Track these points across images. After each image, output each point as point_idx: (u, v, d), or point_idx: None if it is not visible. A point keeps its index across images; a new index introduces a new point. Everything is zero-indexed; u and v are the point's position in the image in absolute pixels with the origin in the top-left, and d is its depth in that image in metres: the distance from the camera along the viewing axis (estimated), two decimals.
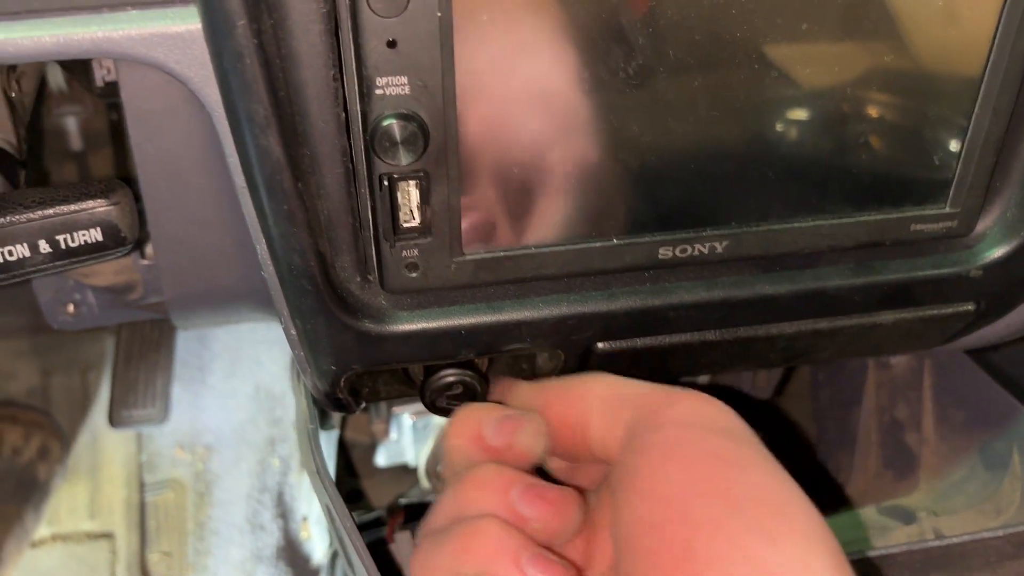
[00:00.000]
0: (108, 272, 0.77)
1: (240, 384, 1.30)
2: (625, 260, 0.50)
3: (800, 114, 0.48)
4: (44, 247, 0.55)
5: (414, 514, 0.90)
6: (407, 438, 0.98)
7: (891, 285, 0.55)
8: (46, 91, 0.84)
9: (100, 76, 0.59)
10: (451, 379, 0.56)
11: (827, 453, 0.92)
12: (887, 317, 0.57)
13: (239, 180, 0.45)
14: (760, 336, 0.56)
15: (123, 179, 0.56)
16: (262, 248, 0.47)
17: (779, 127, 0.48)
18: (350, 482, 1.00)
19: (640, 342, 0.55)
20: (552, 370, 0.58)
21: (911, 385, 0.84)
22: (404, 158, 0.43)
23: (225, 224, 0.54)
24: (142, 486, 1.28)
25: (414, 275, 0.49)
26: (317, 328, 0.49)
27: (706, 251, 0.51)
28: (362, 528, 0.94)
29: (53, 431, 1.21)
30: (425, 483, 0.98)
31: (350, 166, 0.46)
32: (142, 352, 1.23)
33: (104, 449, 1.27)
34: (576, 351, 0.55)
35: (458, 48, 0.42)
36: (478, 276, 0.50)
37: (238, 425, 1.28)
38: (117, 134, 0.85)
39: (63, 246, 0.55)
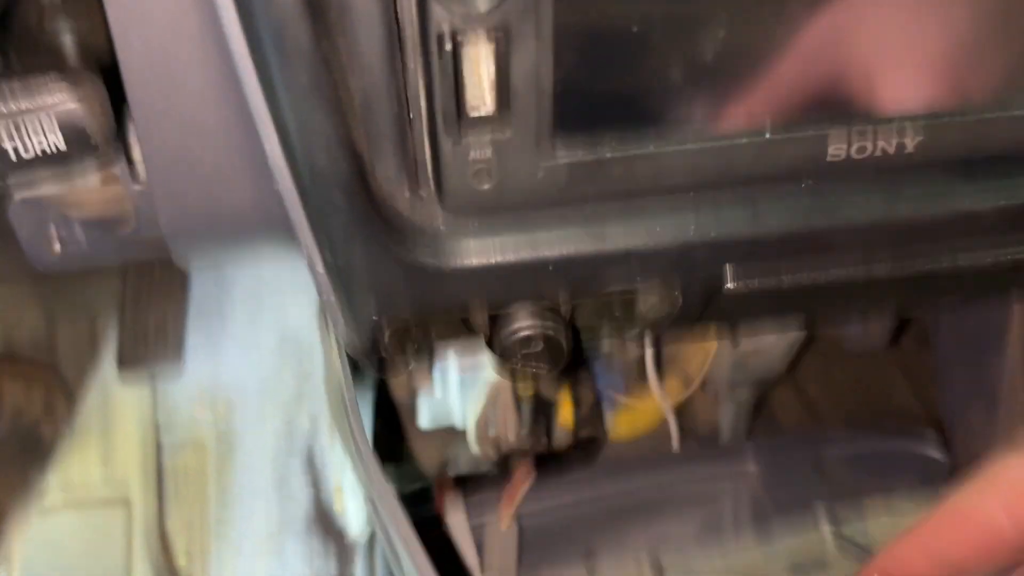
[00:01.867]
0: (96, 202, 0.65)
1: (264, 333, 1.18)
2: (780, 162, 0.36)
3: None
4: None
5: (465, 485, 0.77)
6: (454, 395, 0.85)
7: None
8: (35, 2, 0.73)
9: None
10: (529, 332, 0.42)
11: (955, 408, 0.78)
12: None
13: (237, 44, 0.31)
14: (945, 268, 0.42)
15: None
16: (272, 147, 0.33)
17: None
18: (388, 446, 0.87)
19: (788, 279, 0.40)
20: (660, 319, 0.44)
21: None
22: (482, 2, 0.29)
23: (232, 132, 0.42)
24: (159, 448, 1.17)
25: (486, 185, 0.35)
26: (352, 261, 0.36)
27: (892, 149, 0.36)
28: (405, 503, 0.82)
29: (59, 386, 1.10)
30: (475, 448, 0.85)
31: (394, 22, 0.32)
32: (152, 295, 1.11)
33: (116, 406, 1.16)
34: (699, 291, 0.41)
35: None
36: (575, 187, 0.35)
37: (262, 379, 1.16)
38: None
39: (13, 157, 0.42)
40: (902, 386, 0.92)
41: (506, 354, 0.43)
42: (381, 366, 0.44)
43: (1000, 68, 0.36)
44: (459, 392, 0.85)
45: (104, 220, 0.65)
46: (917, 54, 0.35)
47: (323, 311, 0.60)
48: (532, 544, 0.68)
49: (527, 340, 0.43)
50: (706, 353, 0.82)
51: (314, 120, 0.31)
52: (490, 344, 0.43)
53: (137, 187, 0.59)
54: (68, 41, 0.79)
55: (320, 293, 0.39)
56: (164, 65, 0.43)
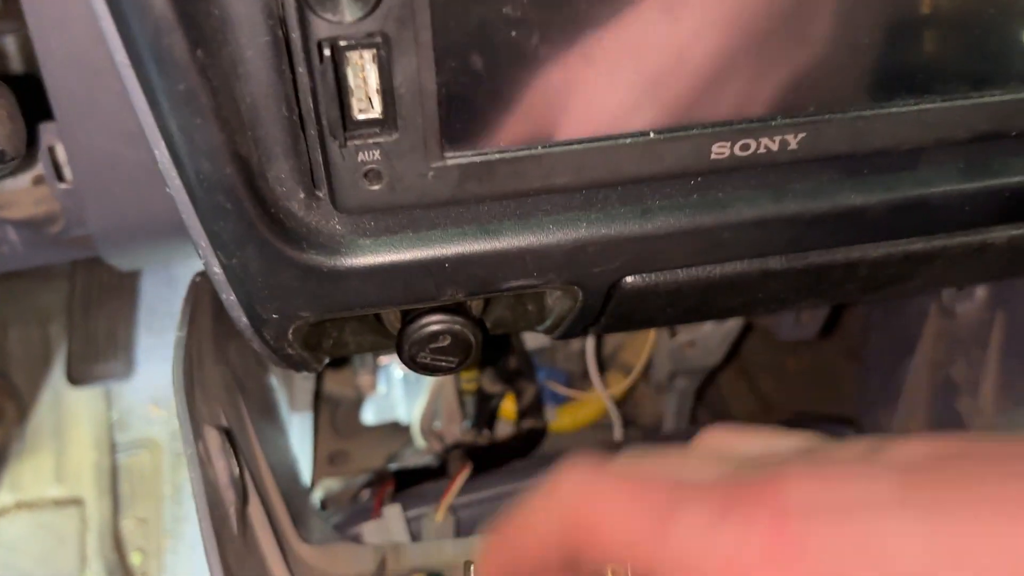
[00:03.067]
0: (26, 202, 0.65)
1: None
2: (666, 162, 0.37)
3: None
4: None
5: (406, 481, 0.78)
6: (398, 391, 0.86)
7: (1012, 191, 0.41)
8: None
9: None
10: (435, 328, 0.43)
11: (866, 406, 0.79)
12: (1000, 235, 0.44)
13: (118, 54, 0.31)
14: (837, 262, 0.43)
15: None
16: (161, 153, 0.33)
17: None
18: (333, 442, 0.88)
19: (683, 274, 0.42)
20: (566, 313, 0.45)
21: (977, 341, 0.70)
22: (349, 12, 0.30)
23: None
24: (113, 447, 1.17)
25: (376, 187, 0.35)
26: (246, 263, 0.36)
27: (775, 147, 0.37)
28: (342, 498, 0.82)
29: (8, 392, 1.09)
30: (420, 442, 0.86)
31: (280, 32, 0.32)
32: (101, 299, 1.11)
33: (69, 407, 1.15)
34: (597, 287, 0.42)
35: None
36: (465, 188, 0.36)
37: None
38: None
39: None
40: (849, 378, 0.94)
41: (413, 350, 0.44)
42: (295, 364, 0.45)
43: (876, 65, 0.37)
44: (403, 388, 0.85)
45: (35, 220, 0.65)
46: (795, 53, 0.36)
47: None
48: (469, 535, 0.69)
49: (434, 335, 0.44)
50: (644, 344, 0.84)
51: (195, 127, 0.31)
52: (398, 342, 0.43)
53: (63, 186, 0.59)
54: (10, 43, 0.79)
55: (220, 293, 0.39)
56: (84, 67, 0.43)
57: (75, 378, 1.08)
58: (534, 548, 0.33)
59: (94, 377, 1.09)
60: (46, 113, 0.47)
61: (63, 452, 1.15)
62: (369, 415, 0.87)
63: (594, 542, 0.30)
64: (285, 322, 0.39)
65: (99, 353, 1.09)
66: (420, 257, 0.38)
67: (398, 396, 0.86)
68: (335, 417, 0.89)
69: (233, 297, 0.38)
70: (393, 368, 0.84)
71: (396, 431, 0.87)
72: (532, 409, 0.85)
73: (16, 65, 0.80)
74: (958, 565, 0.24)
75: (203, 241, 0.36)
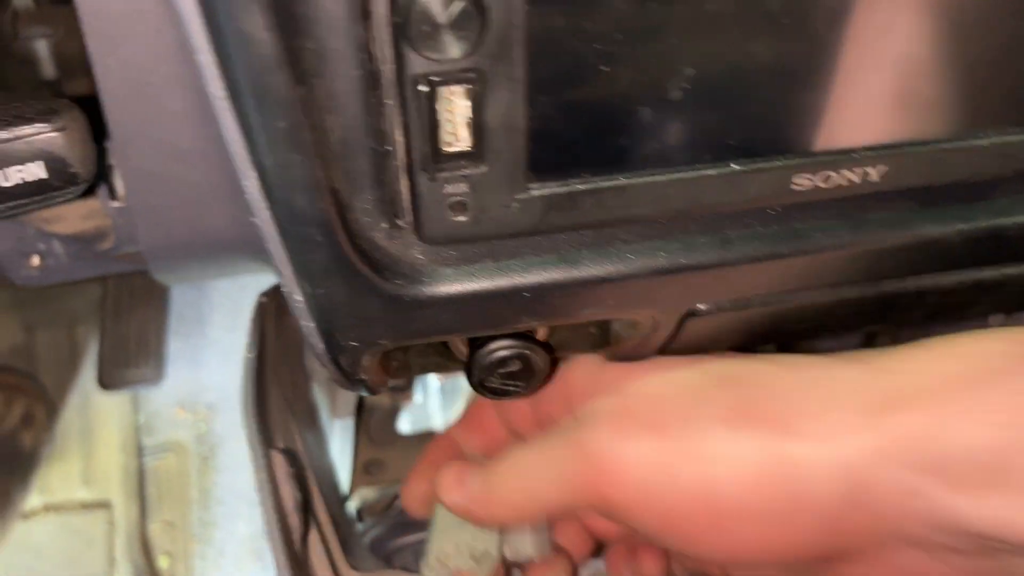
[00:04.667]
0: (74, 217, 0.65)
1: (243, 338, 1.18)
2: (748, 193, 0.37)
3: None
4: None
5: None
6: (434, 401, 0.86)
7: None
8: (9, 10, 0.72)
9: None
10: (506, 353, 0.43)
11: None
12: None
13: (215, 87, 0.31)
14: (908, 290, 0.43)
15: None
16: (251, 185, 0.33)
17: (966, 6, 0.34)
18: (368, 451, 0.88)
19: (756, 302, 0.42)
20: (632, 338, 0.45)
21: None
22: (453, 49, 0.30)
23: (210, 154, 0.43)
24: (140, 450, 1.17)
25: (462, 218, 0.35)
26: (332, 293, 0.36)
27: (857, 179, 0.37)
28: (376, 508, 0.82)
29: (37, 395, 1.09)
30: None
31: (371, 66, 0.32)
32: (132, 304, 1.11)
33: (96, 411, 1.16)
34: (670, 316, 0.42)
35: None
36: (548, 218, 0.36)
37: (243, 383, 1.16)
38: None
39: None
40: None
41: (483, 375, 0.44)
42: (362, 388, 0.45)
43: (960, 98, 0.37)
44: (439, 397, 0.85)
45: (83, 235, 0.65)
46: (879, 87, 0.36)
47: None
48: None
49: (503, 361, 0.44)
50: None
51: (292, 162, 0.31)
52: (468, 365, 0.43)
53: (116, 204, 0.59)
54: (42, 47, 0.79)
55: (299, 320, 0.39)
56: (142, 84, 0.43)
57: (106, 383, 1.08)
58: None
59: (125, 382, 1.09)
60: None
61: (91, 455, 1.15)
62: (405, 424, 0.87)
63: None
64: (363, 349, 0.39)
65: (130, 358, 1.10)
66: (499, 286, 0.38)
67: (434, 406, 0.86)
68: (370, 426, 0.89)
69: (313, 324, 0.38)
70: (430, 377, 0.84)
71: (431, 440, 0.87)
72: None
73: (48, 71, 0.80)
74: None
75: (287, 271, 0.36)
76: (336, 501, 0.72)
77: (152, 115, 0.44)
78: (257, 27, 0.28)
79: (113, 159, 0.52)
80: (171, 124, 0.44)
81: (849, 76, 0.35)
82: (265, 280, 1.17)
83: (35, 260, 0.67)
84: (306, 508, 0.50)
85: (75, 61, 0.77)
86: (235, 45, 0.29)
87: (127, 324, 1.11)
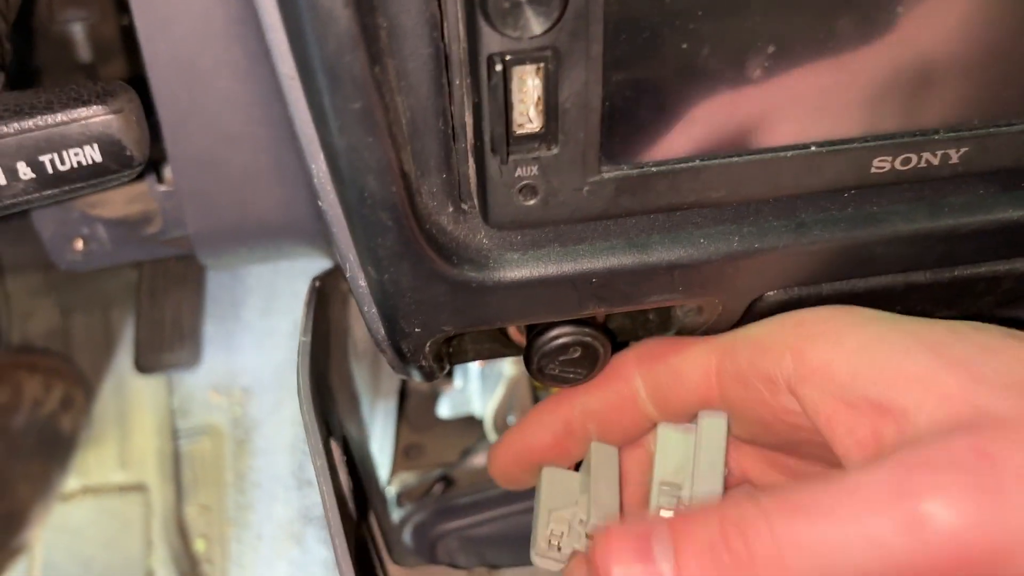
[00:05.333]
0: (119, 201, 0.64)
1: (278, 321, 1.18)
2: (825, 176, 0.36)
3: None
4: (24, 171, 0.42)
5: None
6: (474, 386, 0.85)
7: None
8: None
9: None
10: (567, 340, 0.42)
11: None
12: None
13: (285, 65, 0.30)
14: (982, 276, 0.42)
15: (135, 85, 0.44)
16: (319, 167, 0.33)
17: None
18: (408, 435, 0.88)
19: (826, 288, 0.40)
20: (696, 325, 0.44)
21: None
22: (534, 25, 0.29)
23: (260, 139, 0.43)
24: (175, 433, 1.17)
25: (531, 202, 0.34)
26: (399, 278, 0.35)
27: (937, 161, 0.36)
28: (415, 493, 0.82)
29: (75, 378, 1.10)
30: (493, 436, 0.85)
31: (441, 44, 0.31)
32: (168, 287, 1.11)
33: (132, 394, 1.16)
34: (739, 302, 0.41)
35: None
36: (619, 202, 0.35)
37: (277, 366, 1.16)
38: (131, 41, 0.73)
39: (50, 170, 0.42)
40: None
41: (543, 362, 0.43)
42: (420, 374, 0.44)
43: None
44: (479, 383, 0.85)
45: (128, 219, 0.65)
46: (963, 66, 0.35)
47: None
48: None
49: (564, 347, 0.43)
50: None
51: (365, 144, 0.31)
52: (527, 354, 0.43)
53: (163, 188, 0.58)
54: (79, 30, 0.79)
55: (360, 306, 0.39)
56: (191, 67, 0.42)
57: (143, 367, 1.09)
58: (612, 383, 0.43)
59: (161, 366, 1.09)
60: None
61: (127, 438, 1.16)
62: (445, 409, 0.87)
63: (671, 356, 0.42)
64: (426, 335, 0.38)
65: (165, 342, 1.10)
66: (566, 271, 0.37)
67: (474, 390, 0.85)
68: (410, 411, 0.89)
69: (375, 310, 0.38)
70: (471, 363, 0.84)
71: (471, 425, 0.87)
72: None
73: (84, 53, 0.80)
74: None
75: (352, 255, 0.35)
76: (377, 491, 0.72)
77: (201, 98, 0.43)
78: (336, 4, 0.27)
79: (162, 142, 0.52)
80: (220, 108, 0.43)
81: (932, 55, 0.34)
82: (301, 265, 1.17)
83: (79, 244, 0.66)
84: (360, 494, 0.49)
85: (110, 45, 0.77)
86: (311, 22, 0.28)
87: (162, 308, 1.11)
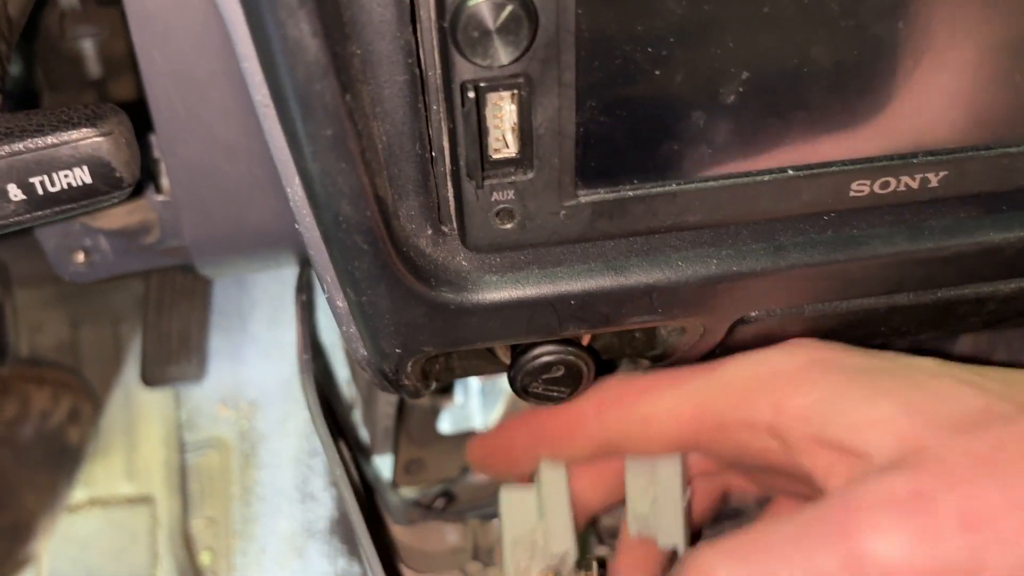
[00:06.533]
0: (119, 212, 0.65)
1: (285, 334, 1.18)
2: (803, 200, 0.36)
3: None
4: (15, 193, 0.43)
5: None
6: (475, 402, 0.85)
7: None
8: (56, 10, 0.73)
9: None
10: (549, 358, 0.42)
11: None
12: None
13: (259, 94, 0.31)
14: (967, 298, 0.42)
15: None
16: (295, 191, 0.33)
17: None
18: (409, 451, 0.88)
19: (808, 310, 0.40)
20: (679, 345, 0.44)
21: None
22: (502, 54, 0.29)
23: (255, 149, 0.43)
24: (182, 446, 1.18)
25: (508, 226, 0.35)
26: (376, 300, 0.36)
27: (916, 185, 0.36)
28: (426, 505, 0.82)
29: (83, 391, 1.11)
30: None
31: (417, 71, 0.32)
32: (175, 301, 1.11)
33: (139, 406, 1.17)
34: (720, 323, 0.41)
35: None
36: (596, 225, 0.35)
37: (284, 380, 1.16)
38: None
39: (40, 191, 0.43)
40: None
41: (526, 381, 0.43)
42: (404, 392, 0.45)
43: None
44: (480, 399, 0.85)
45: (128, 230, 0.66)
46: (941, 90, 0.35)
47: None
48: None
49: (547, 366, 0.43)
50: None
51: (338, 170, 0.31)
52: (511, 372, 0.43)
53: (160, 198, 0.59)
54: (88, 46, 0.80)
55: (339, 326, 0.39)
56: (187, 80, 0.43)
57: (149, 380, 1.09)
58: (565, 422, 0.46)
59: (168, 379, 1.10)
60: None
61: (134, 450, 1.16)
62: (446, 424, 0.87)
63: (636, 409, 0.44)
64: (407, 356, 0.39)
65: (172, 355, 1.10)
66: (545, 293, 0.37)
67: (475, 406, 0.85)
68: (411, 426, 0.89)
69: (354, 330, 0.38)
70: (471, 378, 0.84)
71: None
72: None
73: (94, 69, 0.81)
74: None
75: (330, 276, 0.36)
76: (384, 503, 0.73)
77: (197, 110, 0.44)
78: (304, 33, 0.27)
79: (158, 154, 0.52)
80: (216, 119, 0.44)
81: (910, 79, 0.34)
82: (306, 277, 1.17)
83: (80, 256, 0.67)
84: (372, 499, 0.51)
85: (121, 60, 0.78)
86: (281, 52, 0.28)
87: (169, 321, 1.12)
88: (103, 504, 1.15)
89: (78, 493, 1.13)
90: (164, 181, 0.57)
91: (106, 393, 1.15)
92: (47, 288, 1.15)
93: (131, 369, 1.17)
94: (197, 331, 1.11)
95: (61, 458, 1.08)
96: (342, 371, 1.01)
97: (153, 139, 0.53)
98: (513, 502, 0.50)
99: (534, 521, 0.49)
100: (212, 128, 0.45)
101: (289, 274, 1.22)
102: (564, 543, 0.48)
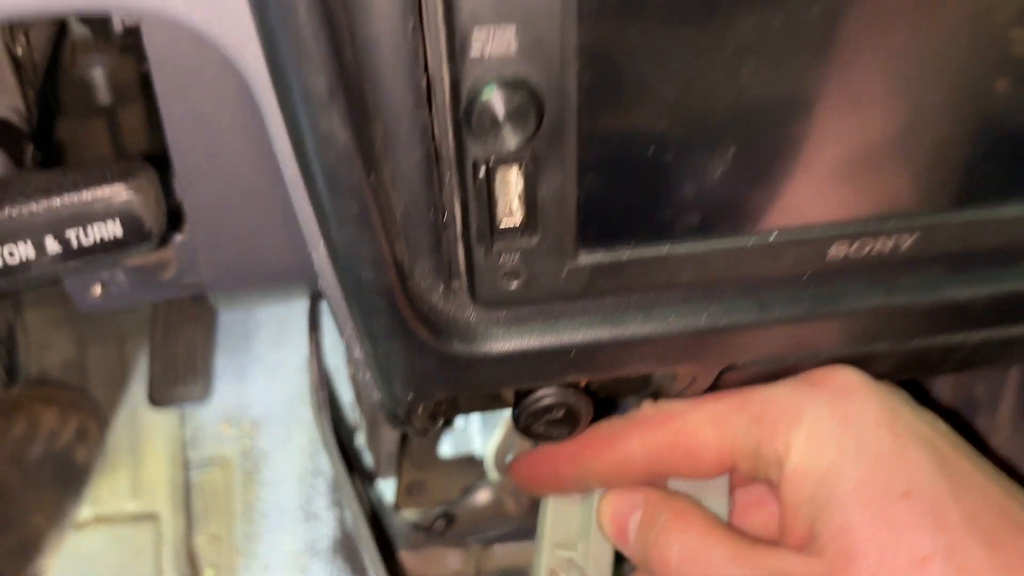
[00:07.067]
0: None
1: (288, 355, 1.21)
2: (785, 261, 0.39)
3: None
4: (52, 245, 0.45)
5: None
6: (474, 426, 0.88)
7: None
8: (67, 39, 0.76)
9: (118, 21, 0.50)
10: (550, 401, 0.45)
11: None
12: None
13: (289, 170, 0.34)
14: (938, 346, 0.45)
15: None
16: (320, 256, 0.36)
17: (997, 80, 0.36)
18: (410, 473, 0.91)
19: (791, 359, 0.44)
20: (671, 387, 0.47)
21: None
22: (510, 140, 0.32)
23: (270, 193, 0.45)
24: (186, 464, 1.20)
25: (514, 284, 0.38)
26: (392, 352, 0.39)
27: (889, 248, 0.39)
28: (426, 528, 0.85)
29: (91, 411, 1.13)
30: (493, 475, 0.88)
31: (432, 147, 0.35)
32: (181, 323, 1.14)
33: (144, 425, 1.19)
34: (710, 370, 0.44)
35: None
36: (595, 284, 0.38)
37: (287, 399, 1.19)
38: (150, 86, 0.77)
39: (75, 244, 0.46)
40: None
41: (529, 421, 0.46)
42: (415, 430, 0.48)
43: (991, 169, 0.39)
44: (480, 421, 0.88)
45: (146, 267, 0.69)
46: (912, 159, 0.38)
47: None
48: None
49: (549, 408, 0.46)
50: None
51: (361, 240, 0.34)
52: (515, 414, 0.46)
53: (179, 237, 0.62)
54: (99, 74, 0.82)
55: (357, 371, 0.42)
56: (206, 126, 0.45)
57: (156, 400, 1.12)
58: (613, 456, 0.47)
59: (174, 399, 1.12)
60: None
61: (139, 468, 1.19)
62: (447, 447, 0.90)
63: (681, 440, 0.45)
64: (418, 400, 0.42)
65: (178, 376, 1.13)
66: (548, 345, 0.40)
67: (475, 430, 0.88)
68: (413, 448, 0.92)
69: (370, 377, 0.41)
70: None
71: (471, 464, 0.90)
72: None
73: (103, 97, 0.83)
74: None
75: (350, 328, 0.39)
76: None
77: (216, 155, 0.46)
78: (334, 125, 0.30)
79: (178, 196, 0.55)
80: (234, 163, 0.46)
81: (882, 152, 0.37)
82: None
83: (98, 289, 0.70)
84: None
85: (129, 88, 0.80)
86: (312, 141, 0.31)
87: (176, 342, 1.14)
88: (109, 521, 1.17)
89: (84, 511, 1.16)
90: (183, 222, 0.60)
91: (112, 412, 1.18)
92: (55, 307, 1.18)
93: (137, 387, 1.19)
94: (203, 352, 1.14)
95: (68, 477, 1.11)
96: (346, 394, 1.03)
97: (174, 182, 0.56)
98: (560, 510, 0.52)
99: (575, 536, 0.50)
100: (230, 172, 0.47)
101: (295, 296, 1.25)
102: (602, 572, 0.50)
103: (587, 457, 0.49)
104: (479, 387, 0.42)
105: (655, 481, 0.49)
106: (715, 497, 0.47)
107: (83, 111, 0.81)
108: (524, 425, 0.46)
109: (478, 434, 0.88)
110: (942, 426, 0.42)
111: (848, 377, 0.43)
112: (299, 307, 1.23)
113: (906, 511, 0.37)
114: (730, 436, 0.44)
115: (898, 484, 0.38)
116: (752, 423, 0.43)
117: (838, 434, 0.40)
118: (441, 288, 0.39)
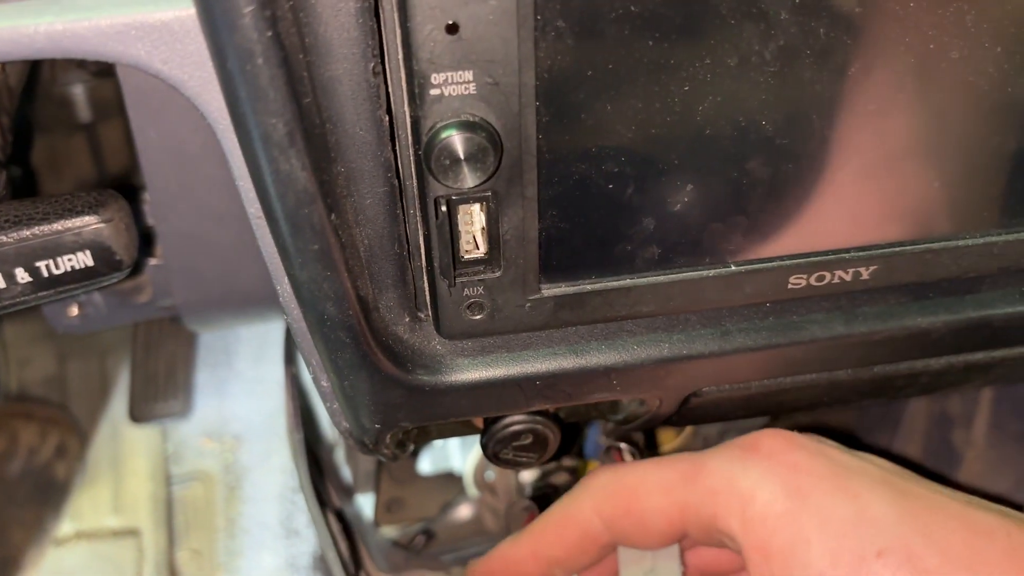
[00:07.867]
0: None
1: (269, 370, 1.21)
2: (745, 292, 0.39)
3: (980, 103, 0.37)
4: (22, 276, 0.46)
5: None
6: (453, 442, 0.88)
7: None
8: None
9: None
10: (518, 427, 0.46)
11: (865, 431, 0.82)
12: None
13: (252, 208, 0.34)
14: (900, 373, 0.46)
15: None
16: (284, 289, 0.36)
17: (951, 118, 0.37)
18: (390, 490, 0.91)
19: (755, 386, 0.44)
20: (639, 413, 0.47)
21: None
22: (469, 179, 0.33)
23: (242, 218, 0.45)
24: (168, 479, 1.20)
25: (478, 317, 0.38)
26: (357, 384, 0.39)
27: (848, 278, 0.40)
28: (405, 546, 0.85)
29: (70, 427, 1.13)
30: (472, 491, 0.88)
31: (396, 183, 0.35)
32: (162, 339, 1.14)
33: (126, 440, 1.19)
34: (674, 397, 0.44)
35: (541, 32, 0.31)
36: (558, 316, 0.39)
37: (268, 415, 1.19)
38: None
39: (45, 274, 0.46)
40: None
41: (497, 448, 0.47)
42: (382, 457, 0.48)
43: (947, 202, 0.39)
44: (459, 440, 0.88)
45: (122, 290, 0.69)
46: (870, 193, 0.38)
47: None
48: None
49: (517, 434, 0.46)
50: None
51: (324, 277, 0.34)
52: (483, 440, 0.46)
53: (153, 262, 0.62)
54: (79, 91, 0.83)
55: (324, 401, 0.42)
56: (179, 154, 0.46)
57: (137, 417, 1.12)
58: (573, 535, 0.44)
59: (155, 416, 1.12)
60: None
61: (120, 483, 1.19)
62: (426, 464, 0.90)
63: (633, 506, 0.42)
64: (386, 430, 0.42)
65: (159, 392, 1.13)
66: (513, 374, 0.41)
67: (454, 447, 0.88)
68: (392, 466, 0.92)
69: (337, 406, 0.41)
70: None
71: (450, 481, 0.90)
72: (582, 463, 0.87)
73: (83, 114, 0.84)
74: None
75: (315, 361, 0.39)
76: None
77: (188, 182, 0.47)
78: (294, 167, 0.31)
79: (151, 220, 0.55)
80: (206, 190, 0.47)
81: (839, 186, 0.38)
82: None
83: (75, 310, 0.70)
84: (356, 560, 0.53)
85: (108, 105, 0.80)
86: (273, 183, 0.32)
87: (156, 358, 1.14)
88: (89, 537, 1.17)
89: (65, 526, 1.15)
90: (157, 247, 0.60)
91: (93, 427, 1.18)
92: (35, 323, 1.18)
93: (117, 403, 1.19)
94: (183, 369, 1.14)
95: (48, 493, 1.11)
96: (324, 412, 1.03)
97: (146, 208, 0.56)
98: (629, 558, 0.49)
99: None
100: (203, 198, 0.47)
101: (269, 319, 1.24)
102: None
103: (547, 545, 0.46)
104: (445, 416, 0.42)
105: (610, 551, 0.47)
106: (668, 564, 0.47)
107: (64, 128, 0.81)
108: (492, 452, 0.47)
109: (457, 450, 0.89)
110: (880, 460, 0.42)
111: (782, 443, 0.41)
112: (279, 324, 1.23)
113: (885, 570, 0.37)
114: (679, 505, 0.42)
115: (869, 547, 0.37)
116: (706, 495, 0.41)
117: (796, 511, 0.39)
118: (407, 319, 0.39)
